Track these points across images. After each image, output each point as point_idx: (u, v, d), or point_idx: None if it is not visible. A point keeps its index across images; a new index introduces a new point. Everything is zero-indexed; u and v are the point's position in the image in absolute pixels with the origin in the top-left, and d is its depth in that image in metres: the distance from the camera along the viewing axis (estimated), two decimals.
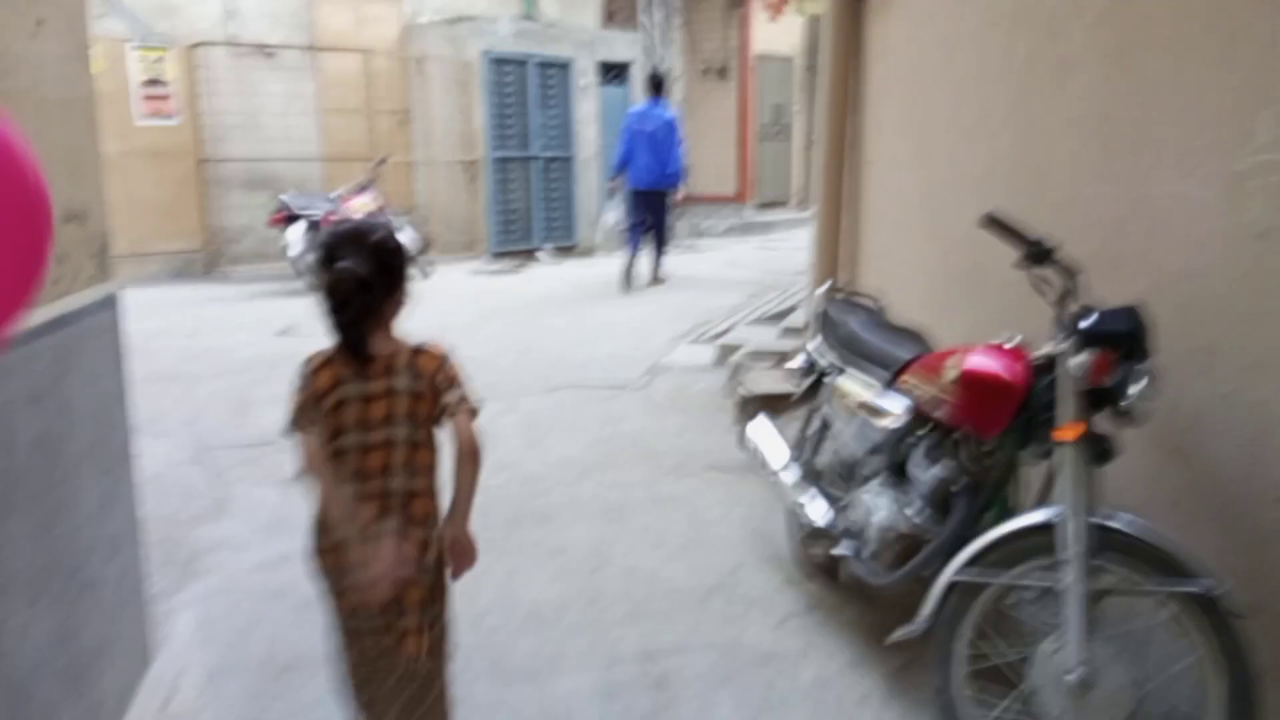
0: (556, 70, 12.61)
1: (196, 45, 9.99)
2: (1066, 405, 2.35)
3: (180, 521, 3.88)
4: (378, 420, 2.03)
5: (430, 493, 2.13)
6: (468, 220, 12.15)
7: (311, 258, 9.20)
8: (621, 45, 13.64)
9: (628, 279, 9.70)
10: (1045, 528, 2.32)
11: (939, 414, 2.65)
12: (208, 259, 10.41)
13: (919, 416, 2.84)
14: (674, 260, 12.37)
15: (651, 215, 9.79)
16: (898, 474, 2.96)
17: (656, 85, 9.90)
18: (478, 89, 11.83)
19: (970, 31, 3.86)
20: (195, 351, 6.78)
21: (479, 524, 3.96)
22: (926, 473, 2.74)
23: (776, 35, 16.73)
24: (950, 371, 2.62)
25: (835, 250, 5.30)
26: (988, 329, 3.63)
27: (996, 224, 2.41)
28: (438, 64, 11.77)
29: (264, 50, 10.69)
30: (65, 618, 2.07)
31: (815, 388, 3.59)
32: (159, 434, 4.98)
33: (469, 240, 12.16)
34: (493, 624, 3.10)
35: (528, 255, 12.44)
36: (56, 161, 2.25)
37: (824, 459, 3.46)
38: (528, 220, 12.57)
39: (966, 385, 2.55)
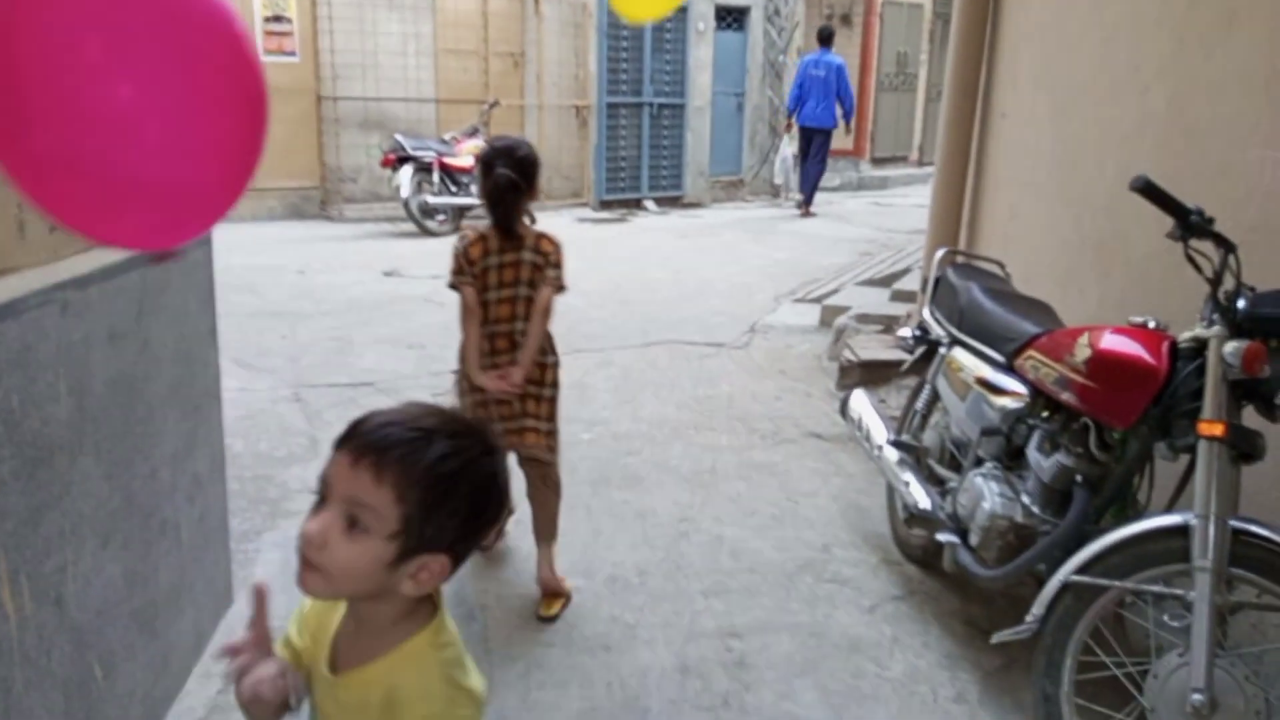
0: (673, 14, 12.28)
1: None
2: (1213, 397, 2.09)
3: (274, 460, 3.92)
4: (509, 281, 2.82)
5: (545, 334, 2.89)
6: (576, 167, 12.05)
7: (419, 200, 9.28)
8: None
9: (806, 206, 11.62)
10: (1177, 531, 2.09)
11: (1064, 397, 2.41)
12: (322, 197, 10.60)
13: (1041, 398, 2.60)
14: (784, 214, 12.06)
15: (814, 150, 11.36)
16: (1013, 459, 2.74)
17: (825, 38, 11.42)
18: (592, 32, 11.63)
19: None
20: (303, 289, 6.89)
21: (566, 480, 3.88)
22: (1046, 460, 2.51)
23: None
24: (1081, 351, 2.37)
25: (957, 210, 4.97)
26: (1123, 305, 3.34)
27: (1149, 190, 2.14)
28: (553, 5, 11.61)
29: None
30: (140, 559, 2.06)
31: (927, 358, 3.36)
32: (262, 370, 5.06)
33: (576, 187, 12.06)
34: (573, 587, 3.02)
35: (635, 204, 12.27)
36: None
37: (931, 436, 3.24)
38: (636, 169, 12.38)
39: (1099, 367, 2.30)
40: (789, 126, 11.66)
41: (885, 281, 6.68)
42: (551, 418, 2.96)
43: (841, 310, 6.06)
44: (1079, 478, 2.44)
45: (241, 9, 9.59)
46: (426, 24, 11.02)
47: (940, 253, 3.43)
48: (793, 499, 3.75)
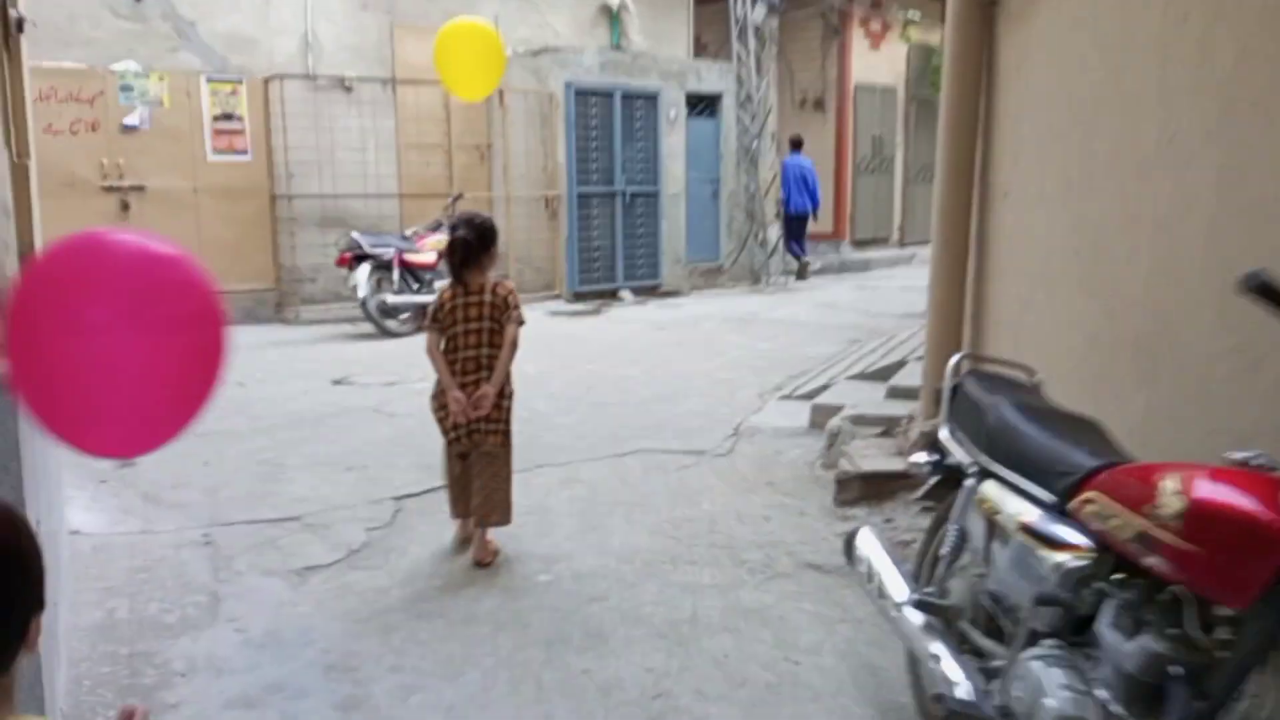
0: (643, 102, 12.00)
1: (271, 78, 9.67)
2: None
3: (162, 628, 3.24)
4: (474, 317, 3.70)
5: (509, 361, 3.77)
6: (547, 259, 11.57)
7: (378, 300, 8.73)
8: (713, 76, 12.98)
9: (801, 274, 13.54)
10: None
11: (1152, 563, 1.81)
12: (278, 299, 10.03)
13: (1110, 554, 1.99)
14: (766, 301, 11.65)
15: (798, 230, 13.58)
16: (1077, 631, 2.11)
17: (798, 144, 13.65)
18: (560, 122, 11.30)
19: (1149, 31, 3.01)
20: (240, 403, 6.24)
21: (515, 641, 3.21)
22: (1128, 643, 1.89)
23: (878, 64, 15.89)
24: (1170, 501, 1.77)
25: (958, 303, 4.44)
26: (1176, 418, 2.75)
27: (1266, 291, 1.58)
28: (519, 96, 11.28)
29: (342, 84, 10.35)
30: None
31: (945, 484, 2.76)
32: (172, 506, 4.40)
33: (549, 280, 11.57)
34: None
35: (610, 296, 11.79)
36: None
37: (960, 587, 2.61)
38: (611, 259, 11.92)
39: (1199, 526, 1.70)
40: (778, 215, 13.63)
41: (880, 375, 6.11)
42: (507, 420, 3.83)
43: (834, 410, 5.47)
44: (1175, 669, 1.82)
45: (189, 109, 9.20)
46: (387, 118, 10.64)
47: (955, 359, 2.85)
48: (791, 658, 3.09)
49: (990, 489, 2.42)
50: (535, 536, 4.13)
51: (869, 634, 3.23)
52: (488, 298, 3.71)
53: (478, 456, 3.78)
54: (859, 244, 15.78)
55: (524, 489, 4.54)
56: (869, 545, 2.80)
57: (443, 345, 3.74)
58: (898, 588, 2.60)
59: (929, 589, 2.61)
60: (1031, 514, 2.22)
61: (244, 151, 9.63)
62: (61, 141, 8.49)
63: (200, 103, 9.30)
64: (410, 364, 7.53)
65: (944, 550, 2.62)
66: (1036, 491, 2.24)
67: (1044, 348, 3.69)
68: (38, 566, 1.15)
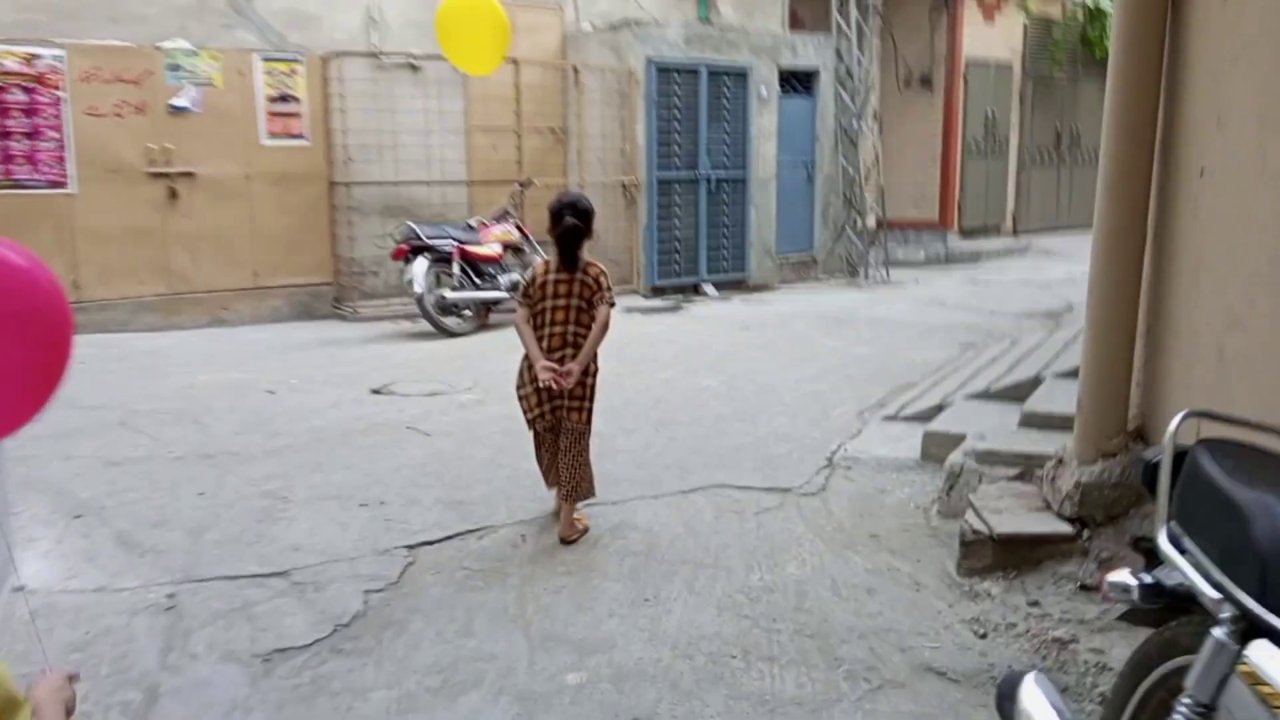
0: (732, 79, 10.99)
1: (331, 56, 9.02)
2: None
3: None
4: (563, 294, 3.83)
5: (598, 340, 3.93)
6: (624, 250, 10.68)
7: (436, 296, 8.00)
8: (809, 51, 11.87)
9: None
10: None
11: None
12: (336, 293, 9.40)
13: None
14: (864, 297, 10.58)
15: None
16: None
17: None
18: (641, 102, 10.39)
19: None
20: (262, 417, 5.53)
21: None
22: None
23: (993, 38, 14.50)
24: None
25: (1129, 313, 3.38)
26: None
27: None
28: (596, 74, 10.40)
29: (408, 62, 9.65)
30: None
31: (1166, 615, 1.78)
32: (147, 552, 3.66)
33: (625, 273, 10.66)
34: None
35: (692, 290, 10.85)
36: None
37: None
38: (693, 250, 10.96)
39: None
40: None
41: (1010, 395, 5.02)
42: (591, 398, 3.88)
43: (953, 440, 4.45)
44: None
45: (243, 89, 8.60)
46: (455, 100, 9.88)
47: (1178, 418, 1.83)
48: None
49: (1266, 657, 1.43)
50: (571, 609, 3.25)
51: None
52: (579, 276, 3.82)
53: (565, 434, 3.84)
54: (967, 233, 14.46)
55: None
56: (1039, 708, 1.82)
57: (532, 321, 3.86)
58: None
59: None
60: None
61: (301, 135, 8.98)
62: (106, 124, 7.96)
63: (255, 83, 8.67)
64: (461, 370, 6.77)
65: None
66: None
67: (1263, 382, 2.64)
68: None
